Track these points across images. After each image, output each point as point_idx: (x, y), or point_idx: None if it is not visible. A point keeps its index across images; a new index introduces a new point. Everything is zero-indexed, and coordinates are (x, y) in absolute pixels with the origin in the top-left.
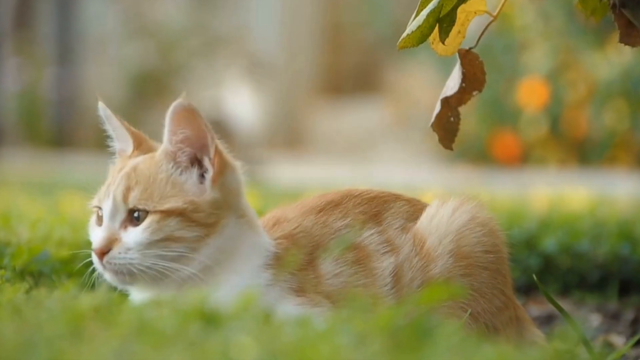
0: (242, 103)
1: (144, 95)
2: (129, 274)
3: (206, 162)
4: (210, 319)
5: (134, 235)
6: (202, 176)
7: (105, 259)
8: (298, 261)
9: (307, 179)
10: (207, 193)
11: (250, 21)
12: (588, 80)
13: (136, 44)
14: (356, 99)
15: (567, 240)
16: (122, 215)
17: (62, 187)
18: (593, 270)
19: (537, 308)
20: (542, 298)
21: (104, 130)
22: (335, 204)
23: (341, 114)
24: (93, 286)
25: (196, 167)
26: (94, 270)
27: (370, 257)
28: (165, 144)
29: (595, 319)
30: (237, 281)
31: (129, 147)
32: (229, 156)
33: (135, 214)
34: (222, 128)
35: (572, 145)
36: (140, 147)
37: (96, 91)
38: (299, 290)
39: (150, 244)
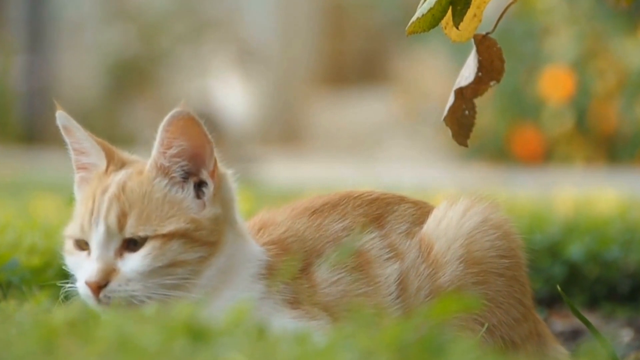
0: (232, 94)
1: (125, 86)
2: (128, 305)
3: (204, 176)
4: (198, 335)
5: (133, 264)
6: (198, 190)
7: (103, 293)
8: (291, 270)
9: (305, 179)
10: (208, 209)
11: (241, 3)
12: (618, 69)
13: (115, 29)
14: (360, 90)
15: (595, 247)
16: (117, 243)
17: (33, 187)
18: (624, 280)
19: (562, 322)
20: (567, 311)
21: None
22: (332, 206)
23: (344, 107)
24: (67, 298)
25: (192, 181)
26: (68, 280)
27: (371, 264)
28: (157, 158)
29: (626, 335)
30: (230, 294)
31: (100, 161)
32: (221, 164)
33: (132, 240)
34: (210, 122)
35: (600, 142)
36: (113, 160)
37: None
38: (294, 302)
39: (152, 272)
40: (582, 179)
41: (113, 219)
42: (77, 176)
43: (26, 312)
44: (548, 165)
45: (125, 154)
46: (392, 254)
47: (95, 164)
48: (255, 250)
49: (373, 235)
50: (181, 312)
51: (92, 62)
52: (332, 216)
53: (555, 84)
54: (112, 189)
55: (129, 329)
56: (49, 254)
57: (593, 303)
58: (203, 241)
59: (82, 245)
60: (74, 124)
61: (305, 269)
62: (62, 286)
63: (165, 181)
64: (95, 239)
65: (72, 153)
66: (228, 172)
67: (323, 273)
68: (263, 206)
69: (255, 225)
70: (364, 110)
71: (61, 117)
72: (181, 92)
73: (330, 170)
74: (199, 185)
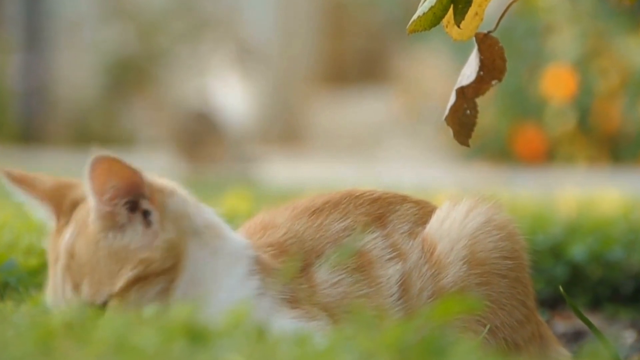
0: (231, 94)
1: (123, 85)
2: None
3: (145, 205)
4: (197, 336)
5: None
6: (145, 217)
7: None
8: (289, 269)
9: (305, 178)
10: (159, 237)
11: (240, 2)
12: (621, 68)
13: (113, 28)
14: (361, 90)
15: (598, 248)
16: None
17: None
18: (627, 281)
19: (564, 324)
20: (569, 312)
21: (78, 124)
22: (333, 205)
23: (344, 106)
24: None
25: (137, 212)
26: None
27: (373, 264)
28: (97, 207)
29: (629, 336)
30: (224, 297)
31: (50, 217)
32: (158, 182)
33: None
34: (209, 122)
35: (603, 141)
36: (63, 212)
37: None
38: (293, 302)
39: None
40: (585, 179)
41: (69, 293)
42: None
43: (23, 313)
44: (550, 165)
45: (77, 189)
46: (394, 254)
47: (47, 218)
48: (239, 246)
49: (375, 235)
50: (180, 313)
51: (90, 61)
52: (333, 215)
53: (557, 83)
54: (62, 259)
55: (127, 330)
56: (45, 254)
57: (596, 304)
58: (158, 272)
59: None
60: (19, 183)
61: (305, 269)
62: None
63: (112, 232)
64: None
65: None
66: (171, 184)
67: (323, 274)
68: (263, 206)
69: (256, 227)
70: (365, 109)
71: (8, 175)
72: (180, 91)
73: (331, 170)
74: (146, 215)
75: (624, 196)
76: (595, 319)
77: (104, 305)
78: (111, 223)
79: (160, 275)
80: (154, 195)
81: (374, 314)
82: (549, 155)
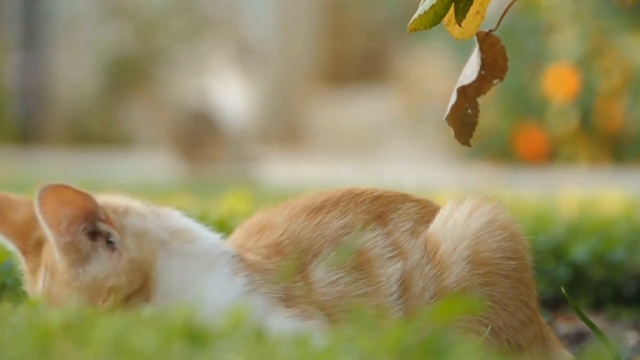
0: (231, 93)
1: (121, 84)
2: None
3: (103, 227)
4: (195, 337)
5: None
6: (107, 241)
7: None
8: (283, 268)
9: (305, 179)
10: (123, 257)
11: (240, 1)
12: (623, 67)
13: (112, 27)
14: (361, 89)
15: (600, 248)
16: None
17: (28, 187)
18: (629, 282)
19: (566, 325)
20: (571, 313)
21: (76, 124)
22: (333, 203)
23: (344, 106)
24: None
25: (98, 238)
26: None
27: (373, 263)
28: (58, 241)
29: (631, 337)
30: (212, 298)
31: (18, 254)
32: (111, 202)
33: None
34: (208, 122)
35: (605, 141)
36: (29, 252)
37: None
38: (288, 300)
39: None
40: (587, 179)
41: None
42: None
43: (21, 314)
44: (552, 164)
45: (38, 228)
46: (394, 252)
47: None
48: (215, 246)
49: (375, 233)
50: (179, 314)
51: (88, 60)
52: (333, 213)
53: (559, 82)
54: (43, 304)
55: (126, 331)
56: None
57: (598, 305)
58: (131, 292)
59: None
60: None
61: (301, 268)
62: None
63: (79, 266)
64: None
65: None
66: (123, 205)
67: (320, 272)
68: (262, 206)
69: (253, 228)
70: (365, 109)
71: None
72: (179, 91)
73: (330, 170)
74: (107, 238)
75: (627, 196)
76: (597, 320)
77: None
78: (75, 255)
79: (133, 297)
80: (109, 217)
81: (373, 314)
82: (551, 155)
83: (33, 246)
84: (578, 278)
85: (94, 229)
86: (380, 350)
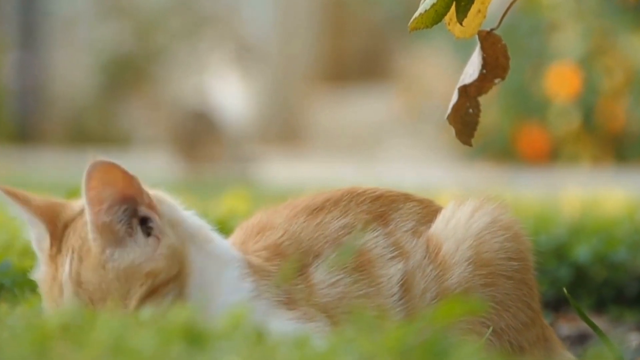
0: (230, 92)
1: (119, 84)
2: None
3: (143, 212)
4: (195, 338)
5: None
6: (145, 227)
7: None
8: (284, 271)
9: (305, 179)
10: (162, 244)
11: None
12: (626, 66)
13: (110, 25)
14: (361, 88)
15: (603, 249)
16: None
17: (25, 188)
18: (632, 282)
19: (568, 326)
20: (573, 314)
21: (74, 124)
22: (333, 203)
23: (344, 105)
24: None
25: (136, 222)
26: None
27: (373, 263)
28: (95, 220)
29: (634, 339)
30: (221, 301)
31: (44, 236)
32: (148, 189)
33: None
34: (207, 121)
35: (607, 141)
36: (56, 235)
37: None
38: (289, 303)
39: None
40: (589, 179)
41: None
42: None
43: (19, 315)
44: (554, 164)
45: (67, 210)
46: (396, 252)
47: (40, 235)
48: (228, 250)
49: (376, 233)
50: (178, 316)
51: (86, 59)
52: (333, 213)
53: (561, 82)
54: (69, 289)
55: (125, 332)
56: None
57: (600, 306)
58: (167, 281)
59: None
60: (13, 199)
61: (301, 270)
62: None
63: (115, 248)
64: None
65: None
66: (158, 194)
67: (321, 274)
68: (261, 207)
69: (253, 229)
70: (365, 108)
71: (1, 193)
72: (177, 90)
73: (331, 170)
74: (144, 222)
75: (629, 196)
76: (599, 322)
77: None
78: (111, 237)
79: (169, 284)
80: (152, 202)
81: (374, 315)
82: (553, 155)
83: (61, 229)
84: (580, 279)
85: (133, 213)
86: (381, 352)
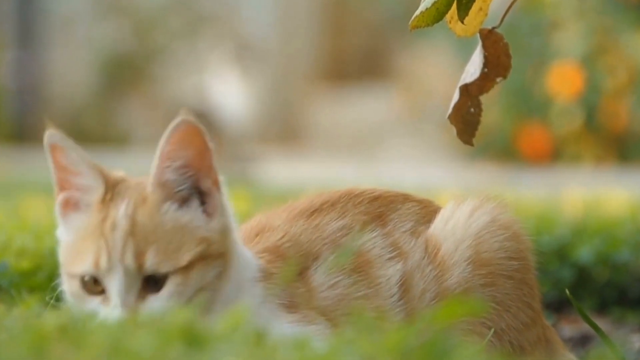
0: (229, 92)
1: (118, 83)
2: None
3: (207, 186)
4: (194, 340)
5: (159, 306)
6: (200, 203)
7: None
8: (286, 275)
9: (305, 178)
10: (215, 221)
11: None
12: (628, 65)
13: (109, 24)
14: (362, 87)
15: (605, 250)
16: (136, 285)
17: (23, 188)
18: (634, 283)
19: (570, 327)
20: (575, 316)
21: (72, 123)
22: (331, 204)
23: (344, 105)
24: (58, 302)
25: (195, 193)
26: (59, 284)
27: (372, 264)
28: (160, 175)
29: (637, 340)
30: (235, 301)
31: (96, 184)
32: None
33: (152, 278)
34: (206, 121)
35: (610, 140)
36: (110, 185)
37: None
38: (291, 306)
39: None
40: (592, 179)
41: (131, 259)
42: (61, 196)
43: (16, 316)
44: (556, 164)
45: (113, 171)
46: (394, 253)
47: (89, 185)
48: (248, 253)
49: (374, 234)
50: (177, 317)
51: (85, 58)
52: (331, 215)
53: (563, 81)
54: (123, 225)
55: (123, 333)
56: (39, 256)
57: (603, 307)
58: (216, 255)
59: (91, 287)
60: (69, 145)
61: (302, 273)
62: (53, 289)
63: (173, 204)
64: (115, 285)
65: (58, 172)
66: (222, 178)
67: (320, 276)
68: (261, 207)
69: (252, 230)
70: (366, 108)
71: (54, 136)
72: (177, 89)
73: (331, 169)
74: (204, 197)
75: (632, 196)
76: (602, 323)
77: (163, 277)
78: (170, 193)
79: (217, 259)
80: (217, 180)
81: (373, 316)
82: (555, 155)
83: (112, 182)
84: (582, 280)
85: (196, 183)
86: (381, 353)
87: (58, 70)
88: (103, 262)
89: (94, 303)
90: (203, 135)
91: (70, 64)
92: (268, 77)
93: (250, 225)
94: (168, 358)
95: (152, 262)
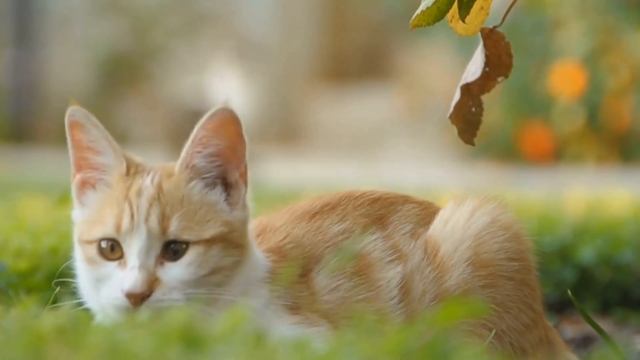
0: (229, 91)
1: (116, 82)
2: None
3: (234, 178)
4: (193, 341)
5: (177, 273)
6: (225, 193)
7: (146, 303)
8: (290, 276)
9: (305, 178)
10: (238, 212)
11: None
12: (631, 64)
13: (107, 23)
14: (362, 87)
15: (607, 250)
16: (157, 249)
17: (20, 188)
18: (637, 284)
19: (572, 328)
20: (578, 317)
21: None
22: (332, 207)
23: (345, 104)
24: (56, 303)
25: (221, 182)
26: (56, 284)
27: (372, 267)
28: (189, 158)
29: (639, 341)
30: (241, 300)
31: (118, 163)
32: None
33: (173, 246)
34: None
35: (612, 140)
36: (133, 163)
37: (60, 77)
38: (294, 308)
39: (195, 281)
40: (594, 179)
41: (155, 222)
42: (79, 176)
43: (13, 317)
44: (558, 164)
45: (136, 157)
46: (394, 255)
47: (110, 164)
48: (260, 254)
49: (375, 236)
50: (175, 318)
51: (82, 57)
52: (332, 218)
53: (565, 80)
54: (149, 191)
55: (120, 335)
56: (36, 257)
57: (605, 308)
58: (236, 244)
59: (107, 253)
60: (92, 121)
61: (304, 276)
62: (51, 290)
63: (200, 183)
64: (137, 245)
65: (76, 151)
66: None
67: (322, 279)
68: (261, 207)
69: (254, 231)
70: (366, 107)
71: (77, 112)
72: (175, 88)
73: (331, 169)
74: (229, 189)
75: (634, 196)
76: (604, 324)
77: (183, 249)
78: (199, 177)
79: (237, 248)
80: (245, 174)
81: (374, 318)
82: (557, 155)
83: (134, 165)
84: (584, 280)
85: (223, 174)
86: (382, 355)
87: (56, 70)
88: (125, 223)
89: (109, 268)
90: (239, 127)
91: (68, 63)
92: (268, 76)
93: (251, 226)
94: (166, 359)
95: (176, 227)
